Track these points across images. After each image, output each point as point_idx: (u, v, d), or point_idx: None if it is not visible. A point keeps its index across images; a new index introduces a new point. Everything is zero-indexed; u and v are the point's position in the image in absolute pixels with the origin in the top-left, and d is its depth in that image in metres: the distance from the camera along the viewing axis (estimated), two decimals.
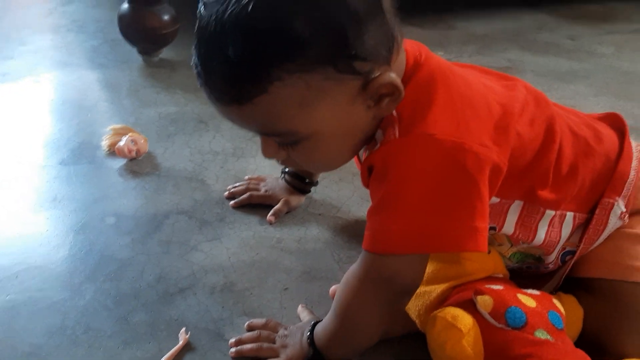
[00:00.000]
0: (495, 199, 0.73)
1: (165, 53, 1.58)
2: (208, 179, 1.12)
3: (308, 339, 0.75)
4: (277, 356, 0.76)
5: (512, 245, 0.79)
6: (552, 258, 0.80)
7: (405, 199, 0.65)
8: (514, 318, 0.69)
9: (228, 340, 0.79)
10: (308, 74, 0.60)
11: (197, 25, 0.63)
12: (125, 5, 1.48)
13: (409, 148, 0.65)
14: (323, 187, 1.12)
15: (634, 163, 0.79)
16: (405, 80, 0.68)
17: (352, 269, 0.72)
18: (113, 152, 1.16)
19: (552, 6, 2.13)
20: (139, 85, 1.45)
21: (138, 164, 1.15)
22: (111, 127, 1.20)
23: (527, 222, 0.76)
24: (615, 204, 0.77)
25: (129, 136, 1.15)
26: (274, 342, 0.77)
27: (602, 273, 0.78)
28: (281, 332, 0.78)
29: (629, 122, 0.84)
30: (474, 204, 0.65)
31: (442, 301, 0.77)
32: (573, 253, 0.79)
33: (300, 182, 1.05)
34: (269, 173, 1.13)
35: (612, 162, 0.79)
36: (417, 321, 0.77)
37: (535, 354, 0.66)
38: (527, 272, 0.84)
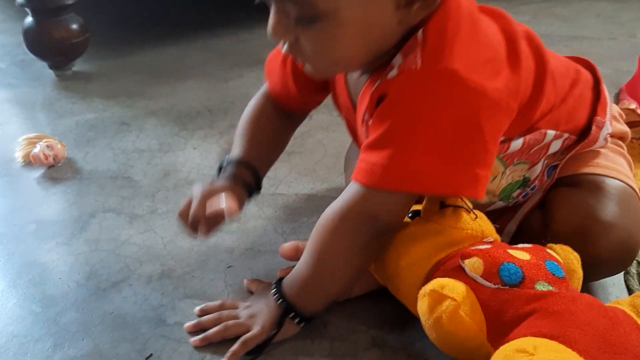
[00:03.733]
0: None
1: (79, 65, 1.50)
2: (135, 175, 1.05)
3: (275, 295, 0.69)
4: (249, 329, 0.69)
5: (505, 169, 0.75)
6: (538, 171, 0.77)
7: (416, 135, 0.62)
8: (509, 275, 0.62)
9: (171, 325, 0.72)
10: None
11: None
12: (29, 19, 1.40)
13: (430, 82, 0.61)
14: None
15: (608, 96, 0.81)
16: (437, 12, 0.63)
17: (331, 208, 0.68)
18: (29, 162, 1.08)
19: None
20: (53, 99, 1.36)
21: (57, 171, 1.07)
22: (24, 137, 1.11)
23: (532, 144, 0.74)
24: (605, 123, 0.77)
25: (44, 142, 1.07)
26: (238, 319, 0.71)
27: (587, 170, 0.77)
28: (241, 305, 0.72)
29: None
30: (480, 151, 0.63)
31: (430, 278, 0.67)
32: (557, 167, 0.78)
33: (250, 175, 0.82)
34: (199, 165, 1.08)
35: (593, 89, 0.79)
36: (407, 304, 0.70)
37: (540, 308, 0.59)
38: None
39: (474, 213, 0.71)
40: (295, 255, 0.78)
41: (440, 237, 0.68)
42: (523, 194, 0.80)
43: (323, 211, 0.93)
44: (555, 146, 0.76)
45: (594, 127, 0.77)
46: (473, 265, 0.64)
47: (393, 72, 0.64)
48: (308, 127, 1.21)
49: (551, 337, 0.56)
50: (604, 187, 0.75)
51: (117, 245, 0.87)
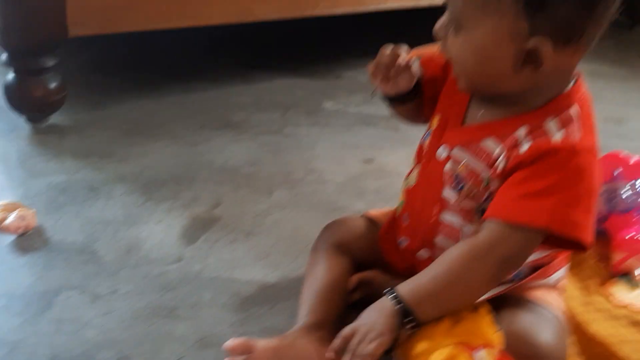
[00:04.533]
0: None
1: (54, 118, 1.57)
2: (99, 250, 1.13)
3: (393, 299, 0.79)
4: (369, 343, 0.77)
5: None
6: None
7: (579, 193, 0.78)
8: None
9: None
10: None
11: None
12: (11, 75, 1.47)
13: (590, 154, 0.79)
14: (218, 249, 1.15)
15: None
16: (574, 91, 0.82)
17: (471, 242, 0.81)
18: (0, 229, 1.15)
19: None
20: (28, 155, 1.43)
21: (27, 239, 1.14)
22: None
23: None
24: (560, 270, 0.95)
25: (18, 212, 1.14)
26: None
27: (536, 296, 0.89)
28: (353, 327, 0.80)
29: None
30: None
31: None
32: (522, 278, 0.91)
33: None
34: (160, 242, 1.15)
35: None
36: None
37: None
38: None
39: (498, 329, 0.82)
40: (241, 353, 0.85)
41: (465, 327, 0.79)
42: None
43: (273, 302, 1.03)
44: (534, 256, 0.88)
45: (552, 263, 0.92)
46: (482, 358, 0.75)
47: (558, 135, 0.79)
48: (267, 204, 1.30)
49: None
50: (543, 313, 0.86)
51: (79, 327, 0.95)
